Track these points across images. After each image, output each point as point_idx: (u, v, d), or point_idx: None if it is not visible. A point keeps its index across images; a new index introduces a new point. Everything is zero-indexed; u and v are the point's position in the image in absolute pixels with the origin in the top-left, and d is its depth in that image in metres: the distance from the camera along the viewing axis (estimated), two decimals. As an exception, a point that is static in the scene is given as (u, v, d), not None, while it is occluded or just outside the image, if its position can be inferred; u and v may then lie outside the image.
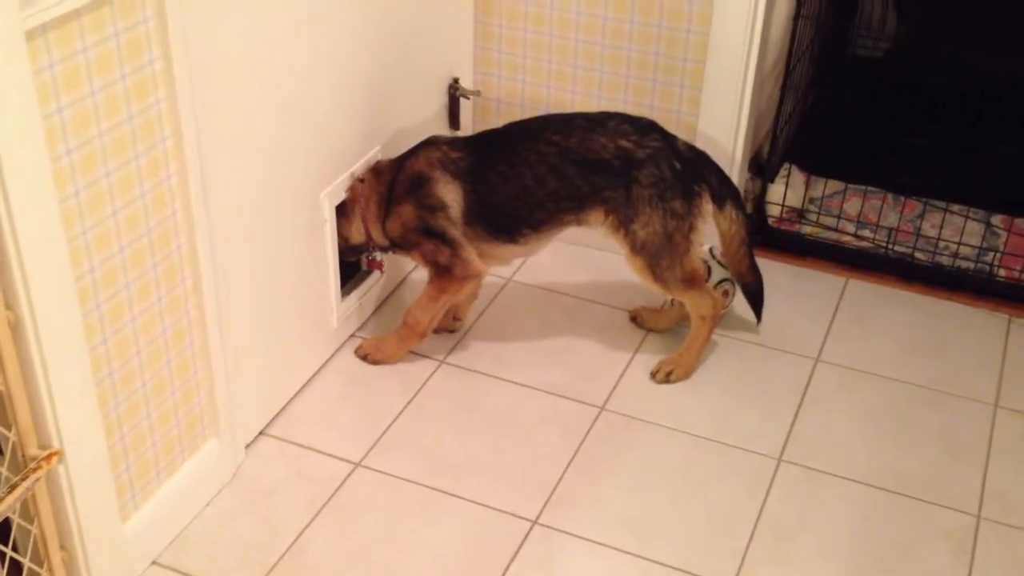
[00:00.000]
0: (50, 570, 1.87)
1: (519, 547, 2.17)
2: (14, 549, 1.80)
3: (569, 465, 2.37)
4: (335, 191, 2.49)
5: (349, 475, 2.33)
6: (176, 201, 1.96)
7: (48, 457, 1.75)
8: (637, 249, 2.47)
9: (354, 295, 2.70)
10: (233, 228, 2.13)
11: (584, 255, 3.00)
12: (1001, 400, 2.58)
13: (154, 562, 2.12)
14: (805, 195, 3.11)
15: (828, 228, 3.05)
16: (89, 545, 1.90)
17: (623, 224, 2.46)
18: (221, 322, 2.14)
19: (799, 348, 2.72)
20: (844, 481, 2.35)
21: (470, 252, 2.51)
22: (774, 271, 2.96)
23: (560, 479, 2.33)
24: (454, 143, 2.55)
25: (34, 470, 1.73)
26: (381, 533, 2.20)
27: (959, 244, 2.93)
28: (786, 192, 3.05)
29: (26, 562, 1.82)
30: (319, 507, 2.25)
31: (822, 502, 2.30)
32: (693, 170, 2.48)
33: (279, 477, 2.32)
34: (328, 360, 2.63)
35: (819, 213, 3.08)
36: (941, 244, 2.95)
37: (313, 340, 2.57)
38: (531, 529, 2.22)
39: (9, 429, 1.71)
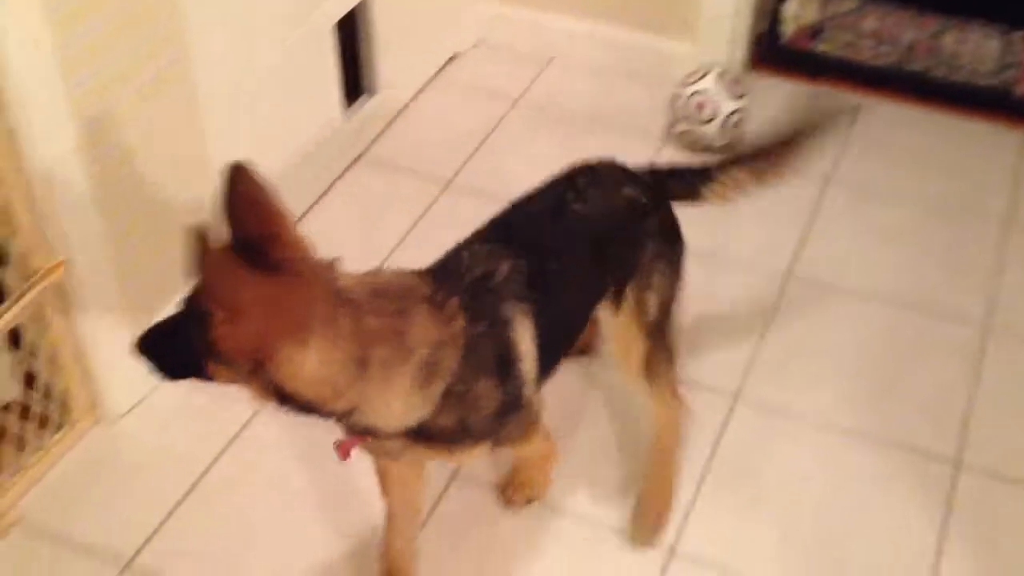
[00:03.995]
0: (65, 381, 1.90)
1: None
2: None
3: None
4: None
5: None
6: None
7: (56, 267, 1.76)
8: (650, 330, 1.76)
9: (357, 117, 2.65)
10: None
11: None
12: (1013, 216, 2.56)
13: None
14: (821, 11, 3.01)
15: (845, 45, 2.97)
16: (102, 355, 1.92)
17: (634, 298, 1.73)
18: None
19: (811, 167, 2.67)
20: (852, 297, 2.35)
21: (538, 400, 1.63)
22: (787, 91, 2.89)
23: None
24: (484, 250, 1.55)
25: (42, 278, 1.74)
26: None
27: (978, 61, 2.85)
28: (801, 8, 2.96)
29: (42, 373, 1.86)
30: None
31: (829, 319, 2.30)
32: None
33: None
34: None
35: (835, 29, 2.99)
36: (960, 61, 2.87)
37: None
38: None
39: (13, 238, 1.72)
